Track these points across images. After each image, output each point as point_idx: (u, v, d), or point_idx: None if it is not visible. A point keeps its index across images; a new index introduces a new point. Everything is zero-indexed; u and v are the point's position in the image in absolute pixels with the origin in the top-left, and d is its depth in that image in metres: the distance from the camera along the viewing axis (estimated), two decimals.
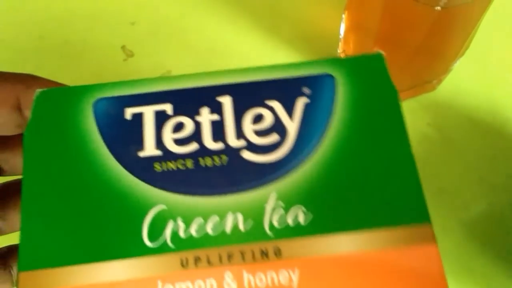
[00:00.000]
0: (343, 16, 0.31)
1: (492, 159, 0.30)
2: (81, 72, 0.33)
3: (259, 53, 0.34)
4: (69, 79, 0.33)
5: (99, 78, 0.33)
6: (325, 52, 0.34)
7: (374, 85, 0.14)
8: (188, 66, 0.33)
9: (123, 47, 0.34)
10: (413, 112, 0.32)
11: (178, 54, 0.34)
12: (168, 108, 0.14)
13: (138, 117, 0.13)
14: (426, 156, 0.30)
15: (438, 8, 0.23)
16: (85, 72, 0.33)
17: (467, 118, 0.32)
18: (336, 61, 0.14)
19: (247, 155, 0.13)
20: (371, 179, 0.13)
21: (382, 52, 0.15)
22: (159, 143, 0.13)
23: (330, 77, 0.14)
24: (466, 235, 0.28)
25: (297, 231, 0.12)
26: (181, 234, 0.12)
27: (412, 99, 0.32)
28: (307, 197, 0.12)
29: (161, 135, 0.13)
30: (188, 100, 0.14)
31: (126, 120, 0.13)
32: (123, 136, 0.13)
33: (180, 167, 0.13)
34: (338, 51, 0.33)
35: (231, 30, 0.35)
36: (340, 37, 0.32)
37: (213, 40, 0.34)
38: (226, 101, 0.14)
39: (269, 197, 0.12)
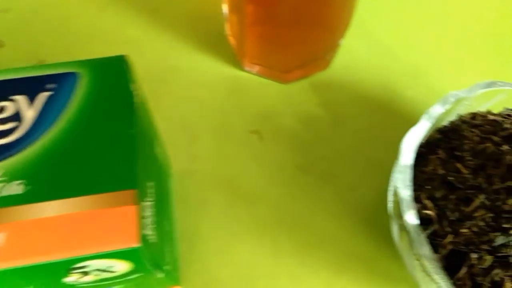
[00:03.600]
0: None
1: (382, 137, 0.29)
2: None
3: (144, 37, 0.32)
4: None
5: None
6: (213, 32, 0.32)
7: (113, 81, 0.16)
8: (64, 55, 0.31)
9: None
10: (304, 92, 0.30)
11: (55, 42, 0.31)
12: None
13: None
14: (315, 138, 0.29)
15: None
16: None
17: (360, 96, 0.31)
18: (83, 62, 0.17)
19: None
20: (90, 157, 0.15)
21: (126, 55, 0.17)
22: None
23: (73, 74, 0.16)
24: (353, 219, 0.27)
25: (13, 200, 0.14)
26: None
27: (304, 80, 0.31)
28: (29, 172, 0.15)
29: None
30: None
31: None
32: None
33: None
34: (227, 32, 0.31)
35: (113, 15, 0.32)
36: (226, 18, 0.30)
37: (94, 26, 0.32)
38: None
39: None
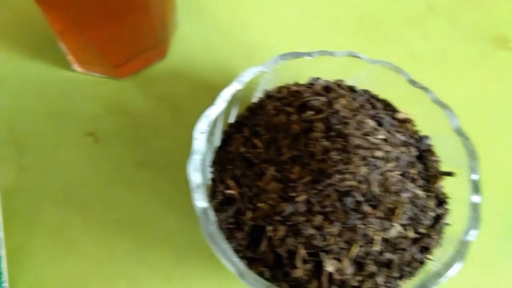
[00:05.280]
0: None
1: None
2: None
3: None
4: None
5: None
6: (42, 36, 0.30)
7: None
8: None
9: None
10: (142, 86, 0.30)
11: None
12: None
13: None
14: (153, 132, 0.28)
15: None
16: None
17: (199, 82, 0.30)
18: None
19: None
20: None
21: None
22: None
23: None
24: (192, 209, 0.26)
25: None
26: None
27: (141, 73, 0.30)
28: None
29: None
30: None
31: None
32: None
33: None
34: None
35: None
36: None
37: None
38: None
39: None
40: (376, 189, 0.18)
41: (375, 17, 0.34)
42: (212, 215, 0.19)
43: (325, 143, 0.19)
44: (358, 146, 0.19)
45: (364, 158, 0.19)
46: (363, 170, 0.18)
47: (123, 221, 0.26)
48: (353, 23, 0.33)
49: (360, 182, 0.18)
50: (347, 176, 0.18)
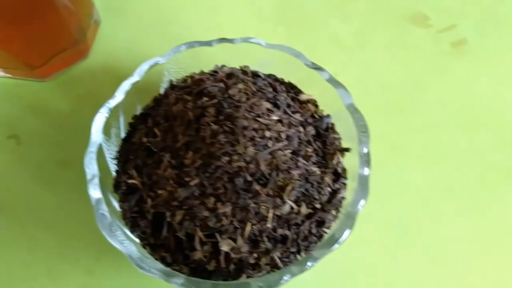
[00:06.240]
0: None
1: None
2: None
3: None
4: None
5: None
6: None
7: None
8: None
9: None
10: (65, 86, 0.30)
11: None
12: None
13: None
14: (76, 130, 0.28)
15: None
16: None
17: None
18: None
19: None
20: None
21: None
22: None
23: None
24: None
25: None
26: None
27: (65, 73, 0.30)
28: None
29: None
30: None
31: None
32: None
33: None
34: None
35: None
36: None
37: None
38: None
39: None
40: (264, 168, 0.19)
41: (295, 4, 0.34)
42: (104, 204, 0.19)
43: (214, 127, 0.19)
44: (246, 128, 0.19)
45: (252, 139, 0.19)
46: (251, 150, 0.19)
47: (46, 219, 0.26)
48: (275, 11, 0.34)
49: (248, 162, 0.19)
50: (235, 157, 0.19)
